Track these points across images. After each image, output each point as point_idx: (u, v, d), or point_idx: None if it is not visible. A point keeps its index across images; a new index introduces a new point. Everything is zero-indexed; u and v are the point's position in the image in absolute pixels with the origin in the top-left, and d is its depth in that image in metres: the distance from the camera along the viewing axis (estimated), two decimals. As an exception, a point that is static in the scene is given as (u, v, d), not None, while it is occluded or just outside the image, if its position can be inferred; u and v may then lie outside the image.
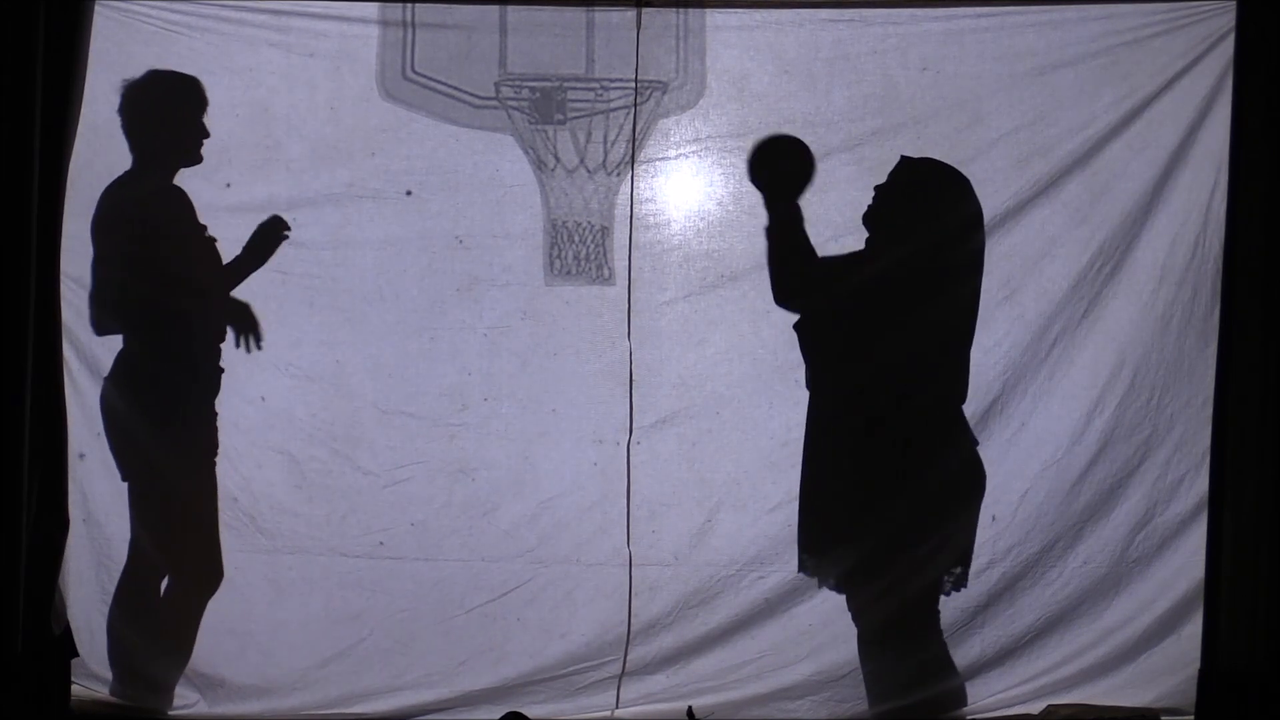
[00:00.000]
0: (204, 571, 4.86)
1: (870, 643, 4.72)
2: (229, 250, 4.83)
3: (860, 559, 4.66)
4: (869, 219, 4.68)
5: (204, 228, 4.80)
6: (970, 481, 4.67)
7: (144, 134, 4.78)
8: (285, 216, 4.82)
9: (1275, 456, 4.53)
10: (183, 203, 4.78)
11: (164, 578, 4.85)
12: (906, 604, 4.65)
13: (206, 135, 4.80)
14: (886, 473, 4.62)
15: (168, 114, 4.80)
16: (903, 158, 4.68)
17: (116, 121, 4.79)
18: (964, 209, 4.64)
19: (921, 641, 4.71)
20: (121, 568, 4.82)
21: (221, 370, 4.83)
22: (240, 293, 4.83)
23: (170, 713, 4.84)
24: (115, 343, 4.78)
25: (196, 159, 4.79)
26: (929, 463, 4.61)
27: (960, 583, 4.70)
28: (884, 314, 4.62)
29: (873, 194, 4.67)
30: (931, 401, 4.63)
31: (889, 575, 4.64)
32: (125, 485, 4.80)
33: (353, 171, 4.85)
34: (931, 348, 4.62)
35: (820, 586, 4.75)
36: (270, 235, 4.80)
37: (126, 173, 4.78)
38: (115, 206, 4.76)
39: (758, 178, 4.77)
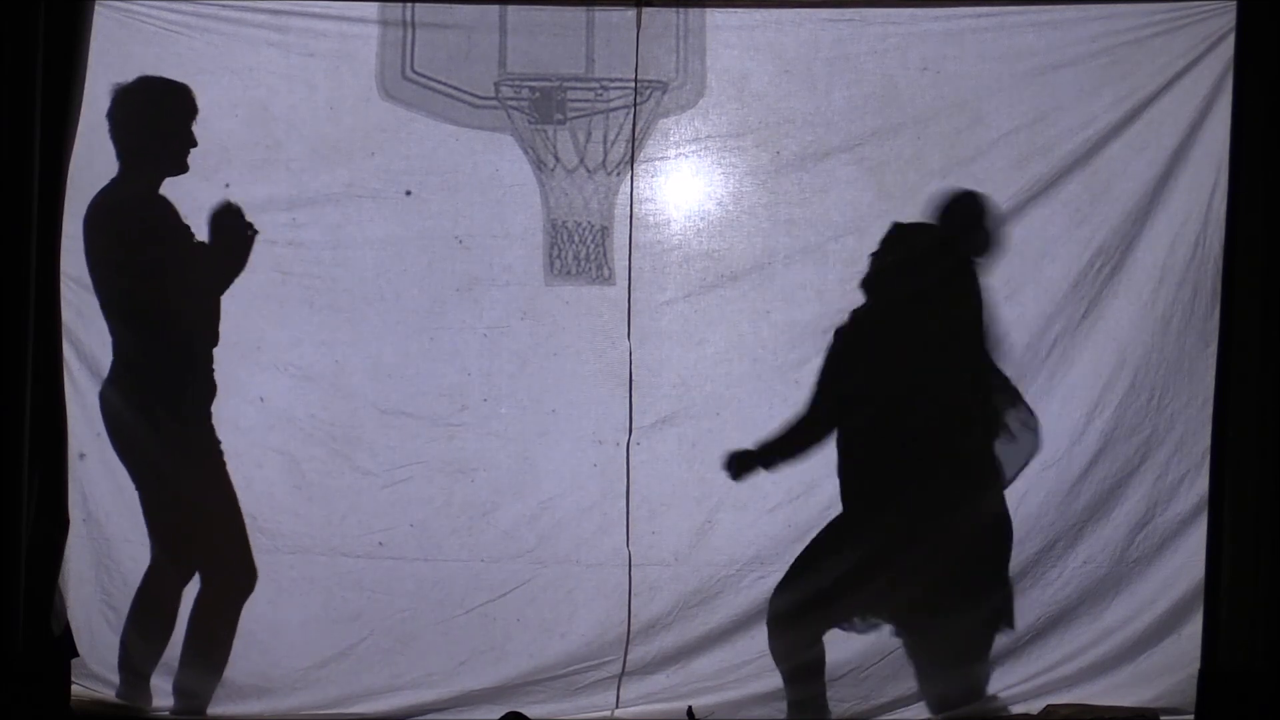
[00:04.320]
0: (238, 573, 4.84)
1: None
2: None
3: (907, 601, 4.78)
4: (866, 285, 4.78)
5: (192, 235, 4.77)
6: (999, 533, 4.77)
7: (132, 139, 4.74)
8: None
9: (1275, 456, 4.53)
10: (171, 214, 4.75)
11: (184, 587, 4.83)
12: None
13: (194, 144, 4.76)
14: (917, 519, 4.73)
15: (157, 120, 4.76)
16: (894, 225, 4.75)
17: (114, 123, 4.79)
18: (950, 254, 4.75)
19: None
20: (120, 570, 4.83)
21: (214, 371, 4.81)
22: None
23: (170, 713, 4.84)
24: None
25: (183, 168, 4.76)
26: (958, 511, 4.72)
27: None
28: (905, 373, 4.72)
29: (869, 262, 4.77)
30: (964, 442, 4.72)
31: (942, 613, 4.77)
32: (135, 494, 4.78)
33: (352, 171, 4.85)
34: (950, 388, 4.71)
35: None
36: (236, 236, 4.78)
37: (113, 180, 4.74)
38: (106, 212, 4.71)
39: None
